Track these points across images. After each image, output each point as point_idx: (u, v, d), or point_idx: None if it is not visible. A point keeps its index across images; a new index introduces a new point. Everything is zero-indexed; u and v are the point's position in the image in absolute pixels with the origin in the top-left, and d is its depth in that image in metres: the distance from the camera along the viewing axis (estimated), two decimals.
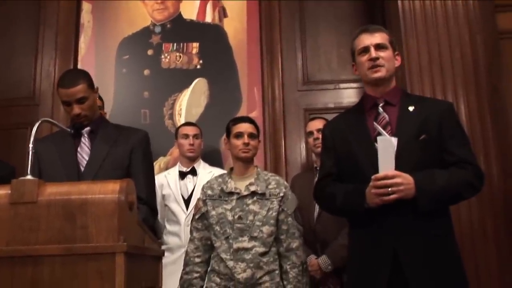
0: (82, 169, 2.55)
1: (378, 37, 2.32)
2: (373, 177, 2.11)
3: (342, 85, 4.30)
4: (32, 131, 1.95)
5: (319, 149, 3.37)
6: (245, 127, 2.87)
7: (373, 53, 2.29)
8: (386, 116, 2.29)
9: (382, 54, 2.30)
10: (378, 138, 2.15)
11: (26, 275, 1.65)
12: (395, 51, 2.37)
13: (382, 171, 2.10)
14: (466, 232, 3.11)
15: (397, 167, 2.10)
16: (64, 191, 1.76)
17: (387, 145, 2.11)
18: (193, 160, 3.66)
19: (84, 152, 2.59)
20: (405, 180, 2.08)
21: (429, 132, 2.21)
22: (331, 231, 3.18)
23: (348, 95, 4.26)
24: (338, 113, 4.07)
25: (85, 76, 2.63)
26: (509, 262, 3.12)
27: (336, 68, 4.36)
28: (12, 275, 1.65)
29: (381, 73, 2.29)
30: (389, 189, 2.07)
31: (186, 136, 3.65)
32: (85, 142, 2.62)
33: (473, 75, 3.35)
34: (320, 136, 3.34)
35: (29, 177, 1.80)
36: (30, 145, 1.92)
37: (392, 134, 2.22)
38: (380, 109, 2.31)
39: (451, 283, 2.11)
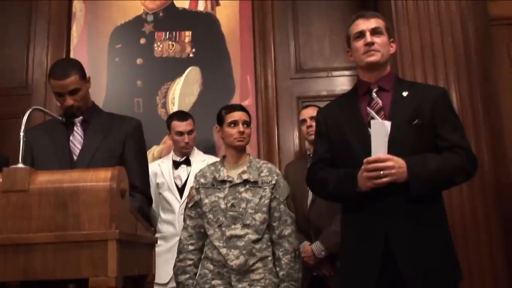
0: (75, 158, 2.55)
1: (374, 22, 2.32)
2: (365, 160, 2.11)
3: (334, 73, 4.31)
4: (23, 119, 1.94)
5: (312, 137, 3.38)
6: (239, 115, 2.86)
7: (369, 37, 2.28)
8: (380, 101, 2.29)
9: (377, 39, 2.29)
10: (372, 121, 2.15)
11: (19, 263, 1.66)
12: (390, 38, 2.37)
13: (374, 155, 2.10)
14: (457, 218, 3.13)
15: (391, 151, 2.10)
16: (55, 179, 1.77)
17: (380, 129, 2.10)
18: (187, 152, 3.65)
19: (76, 141, 2.59)
20: (397, 163, 2.08)
21: (423, 117, 2.20)
22: (324, 217, 3.20)
23: (341, 83, 4.27)
24: (331, 100, 4.13)
25: (77, 67, 2.61)
26: (500, 247, 3.14)
27: (329, 55, 4.36)
28: (4, 263, 1.66)
29: (375, 57, 2.28)
30: (381, 172, 2.07)
31: (181, 133, 3.60)
32: (77, 131, 2.61)
33: (465, 62, 3.35)
34: (313, 123, 3.36)
35: (20, 165, 1.80)
36: (21, 134, 1.91)
37: (386, 118, 2.22)
38: (374, 94, 2.31)
39: (442, 270, 2.11)
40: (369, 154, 2.12)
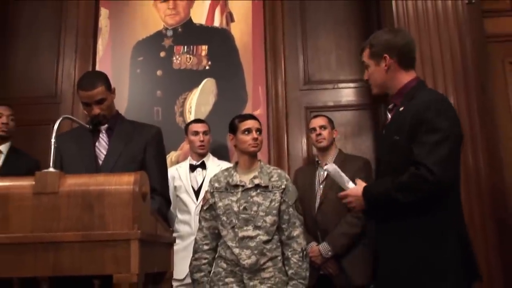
0: (100, 162, 2.57)
1: (362, 58, 2.33)
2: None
3: (340, 85, 4.31)
4: (54, 127, 1.96)
5: (320, 144, 3.41)
6: (252, 123, 2.86)
7: (365, 75, 2.35)
8: (389, 118, 2.28)
9: (368, 73, 2.31)
10: (325, 167, 2.31)
11: (48, 260, 1.67)
12: (381, 56, 2.23)
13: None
14: None
15: (379, 168, 2.25)
16: (83, 182, 1.78)
17: (333, 172, 2.28)
18: (203, 155, 3.67)
19: (102, 147, 2.61)
20: (354, 197, 2.20)
21: (401, 133, 2.10)
22: (331, 220, 3.21)
23: (346, 94, 4.27)
24: (336, 110, 4.16)
25: (103, 79, 2.63)
26: (495, 248, 3.13)
27: (335, 69, 4.36)
28: (35, 260, 1.67)
29: (374, 91, 2.34)
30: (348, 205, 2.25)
31: (196, 133, 3.65)
32: (103, 137, 2.63)
33: (462, 76, 3.34)
34: (322, 132, 3.40)
35: (51, 169, 1.82)
36: (53, 140, 1.94)
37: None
38: (387, 112, 2.32)
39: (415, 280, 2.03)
40: (379, 159, 2.27)
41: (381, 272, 2.11)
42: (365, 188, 2.15)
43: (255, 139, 2.82)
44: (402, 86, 2.24)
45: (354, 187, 2.20)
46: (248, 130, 2.84)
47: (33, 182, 1.75)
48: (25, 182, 1.77)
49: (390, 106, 2.28)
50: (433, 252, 2.01)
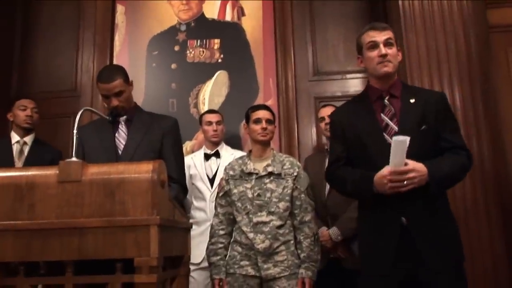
0: (120, 152, 2.58)
1: (386, 34, 2.24)
2: (389, 171, 2.04)
3: (348, 76, 4.30)
4: (76, 119, 1.98)
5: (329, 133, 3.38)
6: (263, 114, 2.87)
7: (383, 49, 2.21)
8: (393, 108, 2.23)
9: (389, 51, 2.22)
10: (394, 138, 2.02)
11: (73, 244, 1.70)
12: (398, 47, 2.31)
13: (393, 166, 2.03)
14: (460, 206, 3.11)
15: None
16: (104, 171, 1.80)
17: (400, 145, 2.00)
18: (216, 144, 3.68)
19: (121, 138, 2.62)
20: (419, 172, 2.04)
21: (428, 123, 2.17)
22: (340, 205, 3.19)
23: (354, 85, 4.25)
24: (345, 100, 4.09)
25: (122, 72, 2.64)
26: (499, 232, 3.12)
27: (343, 60, 4.34)
28: (61, 245, 1.70)
29: (388, 68, 2.22)
30: (405, 182, 2.04)
31: (210, 123, 3.66)
32: (122, 128, 2.64)
33: (467, 66, 3.32)
34: None
35: (74, 159, 1.83)
36: (75, 131, 1.95)
37: (397, 124, 2.18)
38: (387, 102, 2.25)
39: (451, 251, 2.12)
40: (386, 157, 2.06)
41: (423, 246, 2.07)
42: (428, 166, 2.07)
43: (264, 129, 2.82)
44: (397, 79, 2.32)
45: (415, 164, 2.05)
46: (258, 120, 2.84)
47: (58, 171, 1.77)
48: (50, 171, 1.79)
49: (387, 96, 2.25)
50: (456, 224, 2.24)
